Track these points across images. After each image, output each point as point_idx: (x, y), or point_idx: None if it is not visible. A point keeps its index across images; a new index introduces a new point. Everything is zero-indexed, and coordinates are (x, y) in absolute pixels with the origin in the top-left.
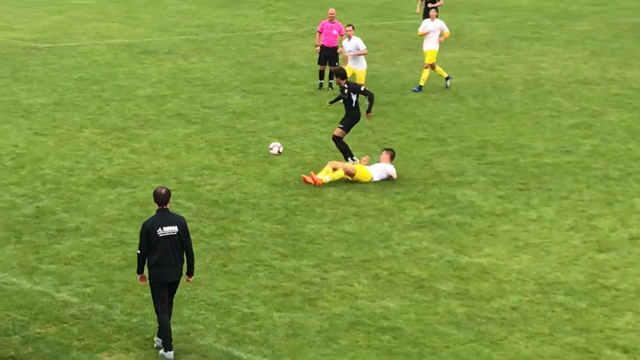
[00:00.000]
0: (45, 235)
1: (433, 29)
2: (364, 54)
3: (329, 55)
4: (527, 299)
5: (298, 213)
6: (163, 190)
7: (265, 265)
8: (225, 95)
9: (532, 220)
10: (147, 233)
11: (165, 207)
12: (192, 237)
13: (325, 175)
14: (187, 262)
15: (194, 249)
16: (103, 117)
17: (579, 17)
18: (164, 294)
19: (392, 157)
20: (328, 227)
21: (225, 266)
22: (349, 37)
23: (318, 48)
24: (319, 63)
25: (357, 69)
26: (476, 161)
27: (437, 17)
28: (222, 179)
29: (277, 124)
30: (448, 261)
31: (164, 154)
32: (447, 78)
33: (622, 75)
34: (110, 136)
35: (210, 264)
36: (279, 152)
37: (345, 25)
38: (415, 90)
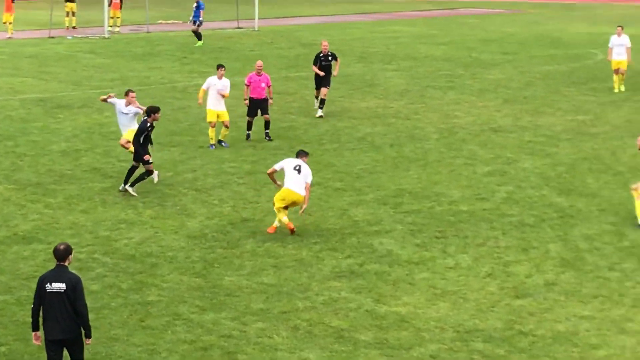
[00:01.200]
0: None
1: None
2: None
3: (259, 107)
4: (446, 347)
5: (216, 265)
6: (62, 246)
7: (183, 319)
8: None
9: (450, 268)
10: (38, 288)
11: (62, 263)
12: (109, 292)
13: (283, 216)
14: (81, 324)
15: (112, 304)
16: (17, 172)
17: (491, 65)
18: (55, 353)
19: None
20: (246, 279)
21: (143, 321)
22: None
23: (247, 102)
24: (248, 115)
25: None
26: (393, 210)
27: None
28: (138, 232)
29: (194, 176)
30: (367, 311)
31: (80, 208)
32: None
33: (535, 123)
34: (25, 192)
35: (127, 319)
36: None
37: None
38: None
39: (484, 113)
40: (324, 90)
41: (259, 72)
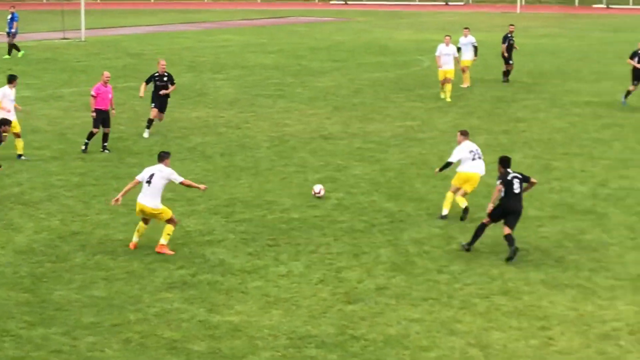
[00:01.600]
0: None
1: None
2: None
3: (104, 118)
4: (280, 354)
5: (45, 280)
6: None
7: (12, 335)
8: None
9: (282, 276)
10: None
11: None
12: None
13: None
14: None
15: None
16: None
17: (320, 73)
18: None
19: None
20: (76, 292)
21: None
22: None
23: (94, 114)
24: (94, 126)
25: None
26: (225, 219)
27: None
28: None
29: (21, 190)
30: (200, 321)
31: None
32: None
33: (364, 129)
34: None
35: None
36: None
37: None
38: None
39: (313, 121)
40: (160, 114)
41: (105, 83)
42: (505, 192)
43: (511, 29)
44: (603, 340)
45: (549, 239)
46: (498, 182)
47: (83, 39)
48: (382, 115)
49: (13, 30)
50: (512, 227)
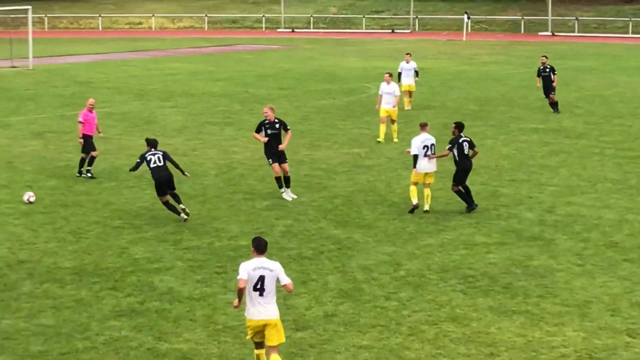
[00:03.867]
0: None
1: None
2: None
3: (90, 143)
4: None
5: None
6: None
7: None
8: None
9: (230, 303)
10: None
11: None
12: None
13: None
14: None
15: None
16: None
17: (268, 100)
18: None
19: None
20: (24, 321)
21: None
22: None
23: (81, 140)
24: (83, 152)
25: None
26: (173, 247)
27: None
28: None
29: None
30: (148, 349)
31: None
32: None
33: (311, 157)
34: None
35: None
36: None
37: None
38: None
39: (261, 148)
40: (283, 165)
41: (91, 109)
42: (458, 154)
43: (543, 61)
44: None
45: (497, 265)
46: (449, 146)
47: (31, 67)
48: (330, 142)
49: None
50: (463, 182)
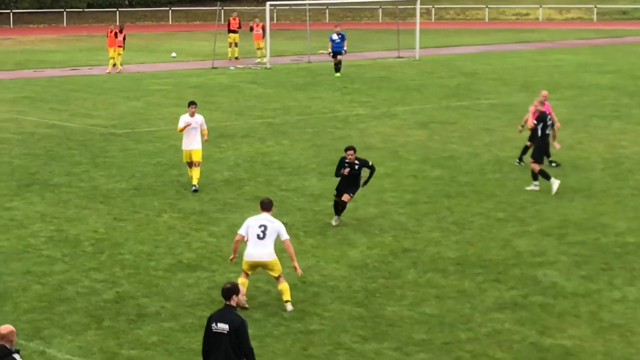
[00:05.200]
0: (126, 321)
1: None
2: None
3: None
4: None
5: (378, 295)
6: (227, 285)
7: (345, 349)
8: (302, 177)
9: (616, 301)
10: (206, 327)
11: (228, 302)
12: (272, 320)
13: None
14: None
15: (275, 332)
16: (181, 201)
17: None
18: None
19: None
20: (408, 309)
21: (306, 349)
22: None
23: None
24: (529, 140)
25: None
26: (557, 241)
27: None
28: (300, 261)
29: (355, 205)
30: (531, 343)
31: None
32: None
33: None
34: (189, 220)
35: (290, 348)
36: None
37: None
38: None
39: None
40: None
41: (542, 102)
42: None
43: None
44: None
45: None
46: None
47: (417, 58)
48: None
49: (344, 49)
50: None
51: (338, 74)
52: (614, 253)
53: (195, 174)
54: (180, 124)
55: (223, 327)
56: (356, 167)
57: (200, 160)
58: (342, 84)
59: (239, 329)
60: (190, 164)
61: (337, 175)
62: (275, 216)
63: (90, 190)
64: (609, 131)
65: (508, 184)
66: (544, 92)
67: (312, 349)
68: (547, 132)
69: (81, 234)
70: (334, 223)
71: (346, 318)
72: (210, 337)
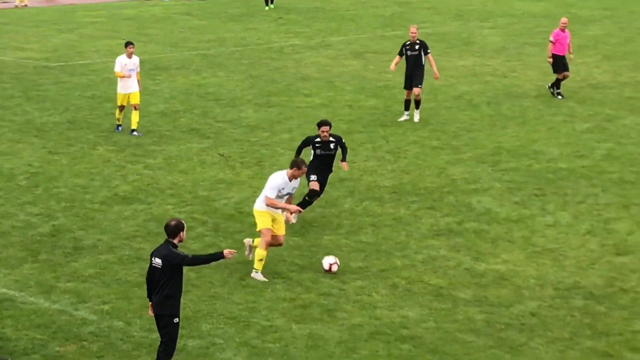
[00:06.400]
0: (62, 254)
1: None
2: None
3: (563, 63)
4: (546, 304)
5: (315, 225)
6: (172, 222)
7: (282, 278)
8: (238, 109)
9: (549, 226)
10: (150, 260)
11: (170, 239)
12: (209, 251)
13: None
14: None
15: (213, 263)
16: (116, 134)
17: (590, 22)
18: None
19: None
20: (345, 237)
21: (243, 279)
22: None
23: (551, 60)
24: (554, 72)
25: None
26: (491, 168)
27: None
28: (237, 192)
29: (291, 136)
30: (466, 269)
31: (179, 169)
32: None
33: (635, 79)
34: (125, 153)
35: (228, 278)
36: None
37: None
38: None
39: (582, 70)
40: (415, 90)
41: (563, 29)
42: None
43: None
44: None
45: None
46: None
47: None
48: None
49: None
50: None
51: (268, 7)
52: (546, 179)
53: (135, 117)
54: (117, 68)
55: (157, 262)
56: (332, 145)
57: (139, 103)
58: (277, 14)
59: (171, 262)
60: (122, 107)
61: (296, 155)
62: (211, 148)
63: (24, 123)
64: (542, 59)
65: (442, 112)
66: (564, 19)
67: (249, 279)
68: None
69: (15, 167)
70: (293, 221)
71: (283, 248)
72: (150, 270)
